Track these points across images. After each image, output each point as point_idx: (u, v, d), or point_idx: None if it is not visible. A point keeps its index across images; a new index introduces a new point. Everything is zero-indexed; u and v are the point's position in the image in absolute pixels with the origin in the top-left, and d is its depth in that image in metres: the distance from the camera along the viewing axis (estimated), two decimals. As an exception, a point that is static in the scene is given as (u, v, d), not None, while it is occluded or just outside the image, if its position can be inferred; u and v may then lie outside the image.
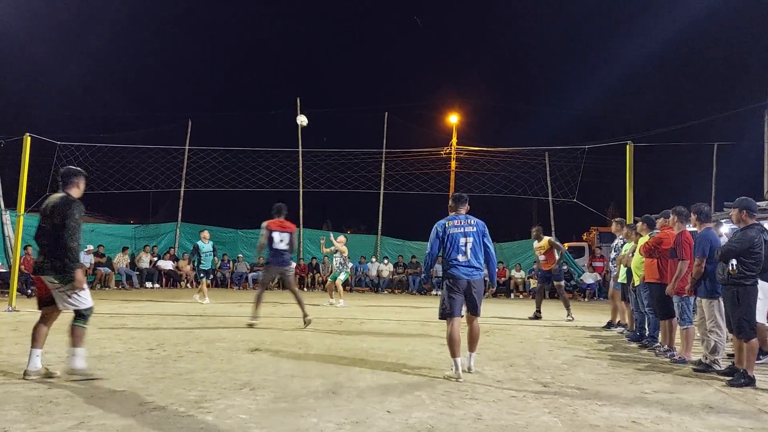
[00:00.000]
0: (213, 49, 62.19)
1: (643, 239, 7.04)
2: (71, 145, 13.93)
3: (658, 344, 6.81)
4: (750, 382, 4.91)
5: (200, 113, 38.30)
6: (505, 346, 6.92)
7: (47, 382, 4.33)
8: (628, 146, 10.12)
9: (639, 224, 7.41)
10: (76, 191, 4.78)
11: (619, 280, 8.54)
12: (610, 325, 9.12)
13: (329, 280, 12.96)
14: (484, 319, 7.78)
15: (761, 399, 4.52)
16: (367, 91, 52.85)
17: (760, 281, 5.18)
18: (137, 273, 16.52)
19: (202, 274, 12.14)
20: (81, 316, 4.59)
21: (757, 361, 5.31)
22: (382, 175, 19.88)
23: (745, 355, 5.04)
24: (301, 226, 19.50)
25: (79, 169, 4.91)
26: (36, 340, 4.53)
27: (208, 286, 12.67)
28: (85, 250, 15.05)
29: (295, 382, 4.58)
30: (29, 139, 10.32)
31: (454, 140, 22.04)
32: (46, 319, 4.66)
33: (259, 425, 3.43)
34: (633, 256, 7.43)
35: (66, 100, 38.08)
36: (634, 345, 7.28)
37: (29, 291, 12.55)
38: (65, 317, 4.78)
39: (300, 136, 19.17)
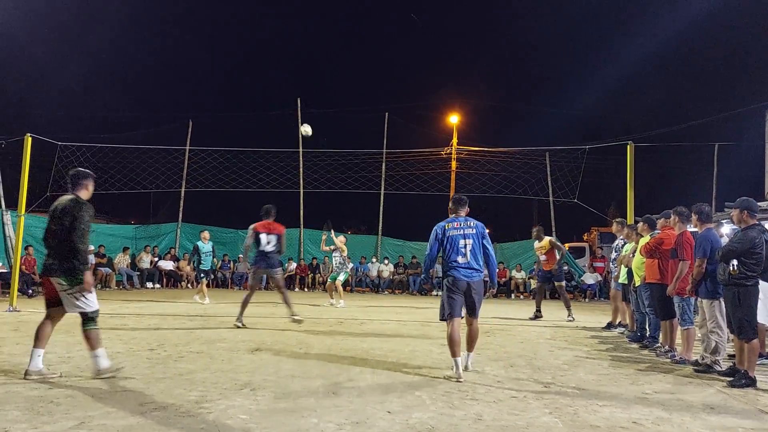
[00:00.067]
0: (213, 49, 62.17)
1: (644, 240, 7.04)
2: (72, 145, 13.97)
3: (659, 345, 6.80)
4: (751, 382, 4.90)
5: (201, 113, 38.38)
6: (506, 346, 6.92)
7: (48, 382, 4.33)
8: (628, 146, 10.11)
9: (640, 225, 7.40)
10: (85, 193, 4.78)
11: (620, 281, 8.53)
12: (610, 326, 9.12)
13: (329, 280, 12.96)
14: (484, 320, 7.79)
15: (762, 400, 4.52)
16: (367, 92, 52.84)
17: (761, 282, 5.17)
18: (138, 273, 16.52)
19: (201, 275, 12.17)
20: (89, 319, 4.59)
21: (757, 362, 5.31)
22: (383, 176, 19.87)
23: (746, 355, 5.04)
24: (302, 226, 19.51)
25: (88, 171, 4.91)
26: (39, 339, 4.53)
27: (207, 286, 12.67)
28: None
29: (296, 383, 4.59)
30: (30, 139, 10.32)
31: (455, 140, 22.01)
32: (50, 320, 4.66)
33: (259, 425, 3.43)
34: (634, 256, 7.43)
35: (66, 100, 38.11)
36: (634, 345, 7.27)
37: (29, 291, 12.57)
38: (68, 318, 4.79)
39: (300, 137, 19.17)
